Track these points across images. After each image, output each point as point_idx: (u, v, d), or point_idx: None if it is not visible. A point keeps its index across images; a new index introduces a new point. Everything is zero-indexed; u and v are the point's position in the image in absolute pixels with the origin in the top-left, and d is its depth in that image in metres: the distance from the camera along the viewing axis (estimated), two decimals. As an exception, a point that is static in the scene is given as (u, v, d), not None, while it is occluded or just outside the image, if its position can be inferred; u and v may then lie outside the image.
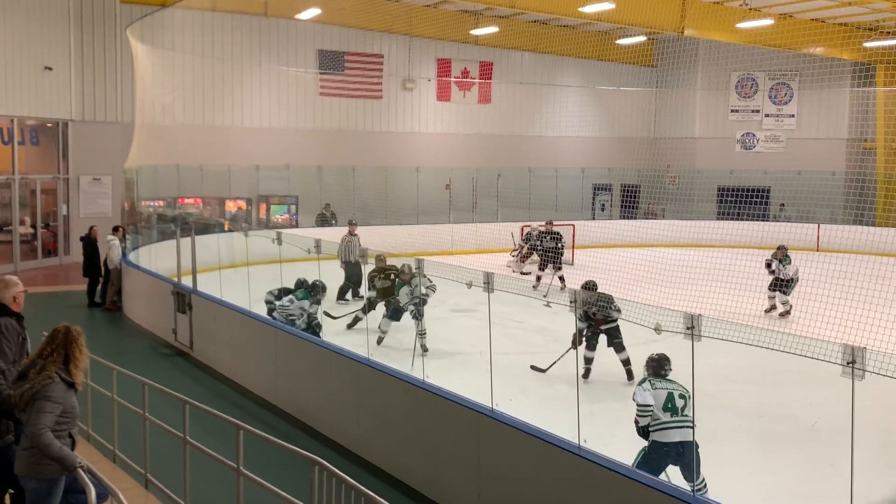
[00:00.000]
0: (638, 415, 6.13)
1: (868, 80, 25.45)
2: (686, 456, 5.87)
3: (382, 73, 24.98)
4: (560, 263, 16.74)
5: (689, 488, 5.47)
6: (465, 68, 26.51)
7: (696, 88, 28.11)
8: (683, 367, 5.59)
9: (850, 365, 4.43)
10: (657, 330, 5.30)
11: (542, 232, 17.35)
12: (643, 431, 6.11)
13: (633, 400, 6.20)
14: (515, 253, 20.14)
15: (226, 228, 16.88)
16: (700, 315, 5.14)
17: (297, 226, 22.11)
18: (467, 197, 24.55)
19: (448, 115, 26.33)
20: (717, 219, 24.67)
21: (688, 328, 5.15)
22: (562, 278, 16.68)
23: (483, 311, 7.28)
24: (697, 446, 5.86)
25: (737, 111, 28.33)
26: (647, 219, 25.46)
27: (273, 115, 23.56)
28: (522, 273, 19.24)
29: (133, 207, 18.14)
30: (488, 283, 6.95)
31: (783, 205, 25.82)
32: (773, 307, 14.11)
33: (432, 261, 7.86)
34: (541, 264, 16.95)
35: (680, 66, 25.82)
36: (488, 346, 7.14)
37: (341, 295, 14.62)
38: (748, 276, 17.82)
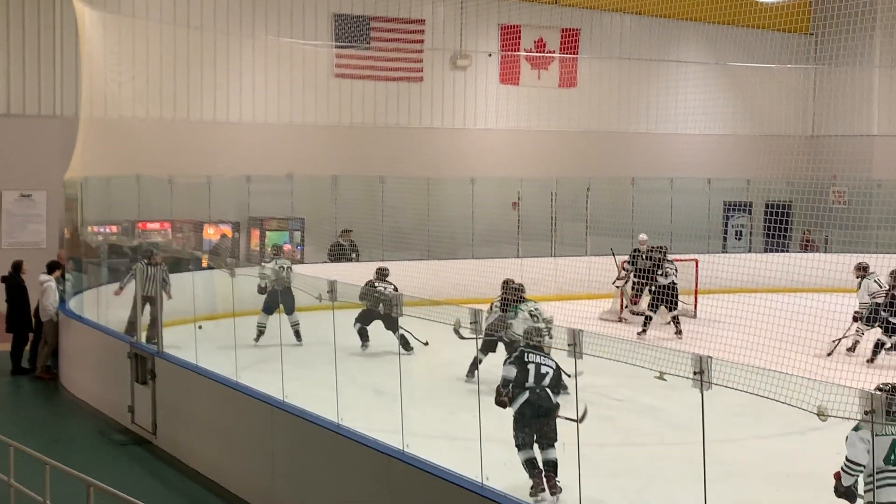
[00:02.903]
0: (844, 470, 6.52)
1: None
2: None
3: (424, 47, 25.20)
4: (674, 300, 17.66)
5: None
6: (541, 38, 26.64)
7: (873, 65, 27.77)
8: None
9: None
10: (821, 415, 5.22)
11: (637, 250, 18.67)
12: (847, 493, 6.60)
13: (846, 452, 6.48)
14: (620, 283, 19.89)
15: (204, 264, 17.02)
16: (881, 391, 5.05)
17: (302, 260, 22.21)
18: (543, 219, 24.47)
19: (516, 103, 26.40)
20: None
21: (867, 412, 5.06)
22: (677, 321, 17.03)
23: (569, 384, 7.25)
24: None
25: (934, 96, 27.93)
26: (803, 251, 25.10)
27: (271, 106, 23.85)
28: (635, 314, 19.19)
29: (76, 235, 18.41)
30: (575, 343, 6.93)
31: None
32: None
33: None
34: (651, 303, 18.00)
35: (850, 33, 25.58)
36: (576, 434, 7.10)
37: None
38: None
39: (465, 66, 25.82)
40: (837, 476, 6.67)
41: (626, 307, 20.09)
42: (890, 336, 15.66)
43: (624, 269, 20.03)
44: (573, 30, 26.75)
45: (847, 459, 6.50)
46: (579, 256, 22.52)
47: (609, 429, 11.66)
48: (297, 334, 15.50)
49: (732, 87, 28.26)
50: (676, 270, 18.41)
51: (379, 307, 13.25)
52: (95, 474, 7.63)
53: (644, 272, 18.94)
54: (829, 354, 15.44)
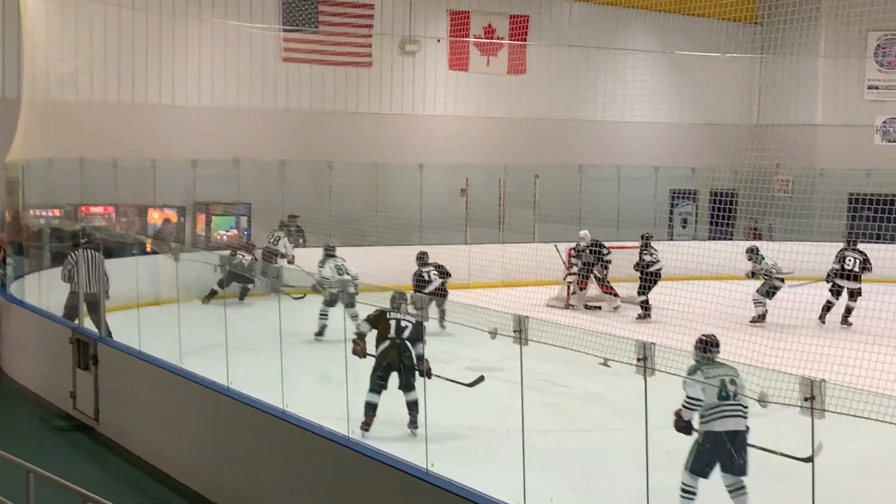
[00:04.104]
0: (684, 406, 7.86)
1: None
2: (735, 446, 7.76)
3: (372, 32, 25.12)
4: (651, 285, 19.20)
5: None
6: (490, 24, 26.65)
7: (817, 55, 28.09)
8: (800, 452, 5.53)
9: None
10: (762, 401, 5.28)
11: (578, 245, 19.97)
12: (686, 427, 7.92)
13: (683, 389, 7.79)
14: (570, 278, 20.22)
15: (148, 249, 16.91)
16: (824, 381, 5.12)
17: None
18: (491, 207, 24.52)
19: (465, 90, 26.42)
20: (848, 240, 24.53)
21: (806, 399, 5.13)
22: (646, 305, 18.81)
23: (513, 370, 7.27)
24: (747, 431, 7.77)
25: (876, 87, 28.29)
26: (747, 239, 25.37)
27: (217, 90, 23.68)
28: (588, 307, 19.71)
29: (17, 219, 18.22)
30: (521, 330, 6.95)
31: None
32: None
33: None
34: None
35: (794, 22, 25.82)
36: (520, 420, 7.12)
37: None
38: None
39: (414, 51, 25.77)
40: (678, 413, 7.89)
41: (574, 294, 20.31)
42: (838, 298, 18.48)
43: (572, 262, 20.28)
44: (522, 16, 26.79)
45: (687, 397, 7.78)
46: (527, 243, 22.63)
47: (554, 415, 11.73)
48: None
49: (679, 75, 28.46)
50: (658, 259, 19.61)
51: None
52: (35, 460, 7.55)
53: (590, 265, 19.99)
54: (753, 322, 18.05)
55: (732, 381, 7.86)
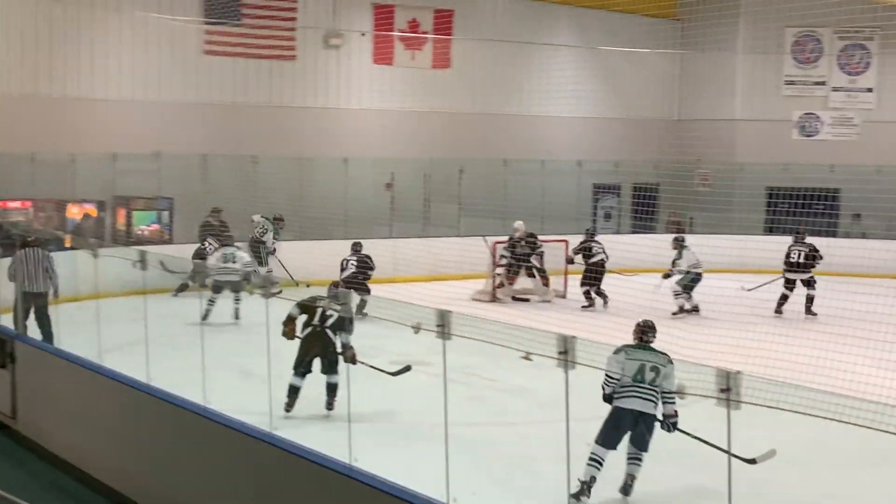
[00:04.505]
0: (604, 382, 8.70)
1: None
2: (641, 425, 8.62)
3: (296, 25, 24.95)
4: (599, 277, 19.93)
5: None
6: (414, 18, 26.62)
7: (736, 51, 28.52)
8: (716, 440, 5.58)
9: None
10: (679, 393, 5.33)
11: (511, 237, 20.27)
12: (608, 399, 8.75)
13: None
14: (499, 271, 20.32)
15: (67, 245, 16.67)
16: (739, 372, 5.19)
17: (171, 241, 21.87)
18: (417, 201, 24.53)
19: (390, 84, 26.37)
20: (767, 233, 24.96)
21: (722, 390, 5.19)
22: (589, 295, 19.55)
23: (438, 364, 7.26)
24: (657, 421, 8.57)
25: (794, 83, 28.80)
26: (669, 233, 25.68)
27: (138, 83, 23.34)
28: (517, 299, 19.90)
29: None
30: (444, 325, 6.95)
31: (858, 215, 26.22)
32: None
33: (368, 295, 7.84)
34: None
35: (715, 19, 26.20)
36: (443, 414, 7.12)
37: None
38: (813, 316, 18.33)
39: (339, 45, 25.64)
40: (602, 387, 8.78)
41: (502, 287, 20.41)
42: (791, 290, 18.99)
43: (503, 255, 20.37)
44: (446, 11, 26.80)
45: (606, 374, 8.58)
46: (452, 237, 22.68)
47: (479, 408, 11.77)
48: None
49: (602, 70, 28.70)
50: (605, 250, 20.17)
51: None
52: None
53: (524, 257, 20.25)
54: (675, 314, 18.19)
55: (654, 368, 8.57)
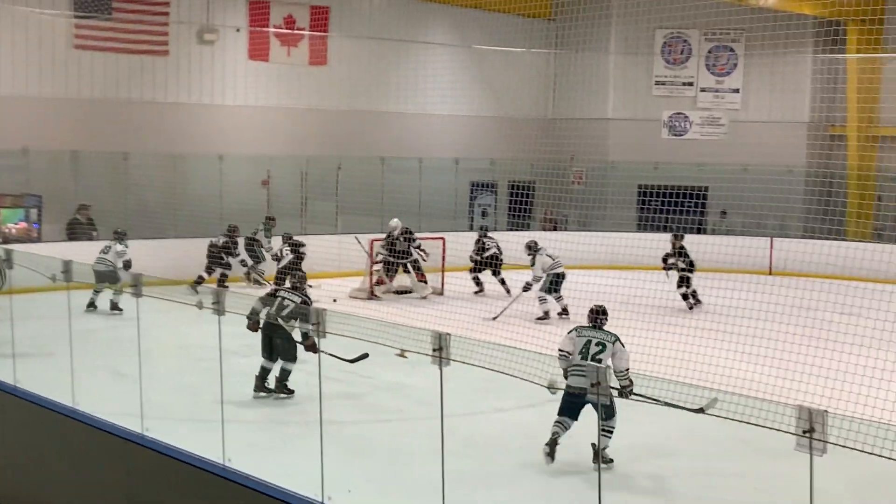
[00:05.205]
0: (558, 356, 9.18)
1: (836, 44, 26.84)
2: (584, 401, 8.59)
3: (169, 19, 24.55)
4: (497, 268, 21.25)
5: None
6: (290, 14, 26.43)
7: (608, 51, 29.02)
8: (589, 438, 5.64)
9: (808, 435, 4.64)
10: (551, 388, 5.42)
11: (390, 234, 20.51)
12: (565, 374, 8.96)
13: None
14: (377, 267, 20.33)
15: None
16: (608, 367, 5.28)
17: (39, 239, 21.34)
18: (294, 198, 24.36)
19: (265, 80, 26.13)
20: (638, 230, 25.49)
21: (593, 385, 5.28)
22: (479, 283, 20.75)
23: (312, 361, 7.25)
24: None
25: (663, 83, 29.44)
26: (543, 230, 26.04)
27: (5, 78, 22.68)
28: (399, 293, 19.96)
29: None
30: (318, 323, 6.94)
31: (724, 212, 26.99)
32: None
33: (238, 291, 7.80)
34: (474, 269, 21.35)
35: (586, 19, 26.61)
36: (318, 411, 7.12)
37: None
38: (682, 309, 18.84)
39: (213, 40, 25.29)
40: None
41: (381, 283, 20.44)
42: (687, 287, 19.35)
43: (380, 252, 20.37)
44: (322, 7, 26.66)
45: (559, 349, 9.33)
46: (329, 235, 22.60)
47: (356, 406, 11.77)
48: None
49: (478, 69, 28.91)
50: (498, 245, 21.37)
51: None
52: None
53: (402, 254, 20.39)
54: (494, 318, 17.77)
55: (599, 343, 9.28)
